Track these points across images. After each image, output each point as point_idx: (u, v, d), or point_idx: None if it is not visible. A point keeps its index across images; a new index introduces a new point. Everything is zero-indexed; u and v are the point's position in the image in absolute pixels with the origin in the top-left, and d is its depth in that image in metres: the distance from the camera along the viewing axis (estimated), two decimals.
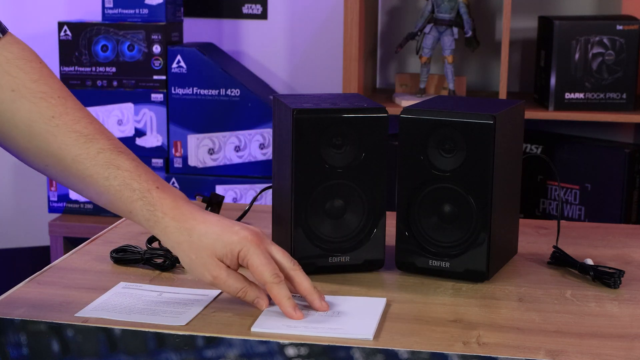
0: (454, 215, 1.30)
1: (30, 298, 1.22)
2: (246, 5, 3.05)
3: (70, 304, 1.20)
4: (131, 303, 1.20)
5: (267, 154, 2.77)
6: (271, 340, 1.09)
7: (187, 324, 1.13)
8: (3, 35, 1.19)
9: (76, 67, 2.80)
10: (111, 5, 2.80)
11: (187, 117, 2.77)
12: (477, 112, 1.28)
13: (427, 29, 2.64)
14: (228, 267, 1.18)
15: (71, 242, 2.85)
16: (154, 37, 2.76)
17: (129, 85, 2.79)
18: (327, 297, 1.23)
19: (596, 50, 2.53)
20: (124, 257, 1.37)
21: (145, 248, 1.40)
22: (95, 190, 1.20)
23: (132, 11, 2.80)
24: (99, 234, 1.52)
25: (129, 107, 2.79)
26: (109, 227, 1.55)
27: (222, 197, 1.58)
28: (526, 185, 2.52)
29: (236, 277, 1.18)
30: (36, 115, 1.18)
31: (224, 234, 1.18)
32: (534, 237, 1.53)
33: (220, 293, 1.24)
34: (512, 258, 1.42)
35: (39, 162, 1.21)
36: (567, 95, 2.56)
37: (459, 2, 2.61)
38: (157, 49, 2.76)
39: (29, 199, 3.20)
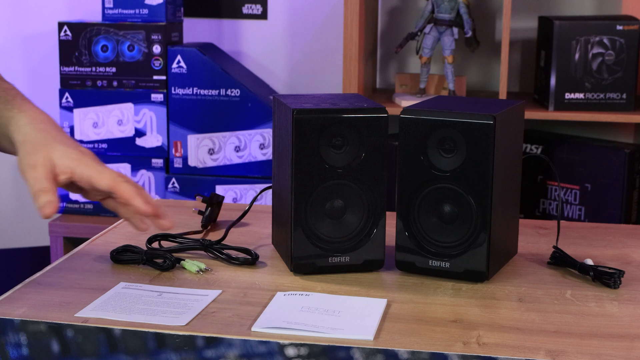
0: (454, 215, 1.30)
1: (30, 298, 1.22)
2: (246, 5, 3.05)
3: (70, 304, 1.20)
4: (131, 303, 1.20)
5: (267, 154, 2.76)
6: (271, 340, 1.09)
7: (187, 324, 1.13)
8: None
9: (76, 67, 2.80)
10: (111, 6, 2.80)
11: (187, 117, 2.77)
12: (477, 112, 1.28)
13: (427, 29, 2.64)
14: (54, 174, 1.19)
15: (71, 242, 2.85)
16: (154, 37, 2.76)
17: (129, 85, 2.79)
18: (327, 297, 1.23)
19: (596, 50, 2.53)
20: (124, 257, 1.37)
21: (145, 248, 1.40)
22: None
23: (132, 11, 2.80)
24: (99, 234, 1.52)
25: (129, 107, 2.79)
26: (109, 227, 1.55)
27: (222, 197, 1.58)
28: (526, 185, 2.52)
29: (47, 177, 1.18)
30: None
31: (70, 145, 1.21)
32: (534, 237, 1.53)
33: (221, 293, 1.24)
34: (512, 258, 1.42)
35: None
36: (567, 96, 2.56)
37: (459, 2, 2.61)
38: (157, 49, 2.76)
39: (29, 199, 3.19)
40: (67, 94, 2.80)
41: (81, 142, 2.82)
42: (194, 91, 2.76)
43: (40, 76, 3.10)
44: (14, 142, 1.24)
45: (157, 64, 2.77)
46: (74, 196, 2.84)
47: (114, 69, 2.79)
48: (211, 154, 2.78)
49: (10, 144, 1.26)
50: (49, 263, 2.69)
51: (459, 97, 1.55)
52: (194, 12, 3.07)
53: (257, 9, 3.04)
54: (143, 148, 2.81)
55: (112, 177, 1.19)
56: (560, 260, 1.38)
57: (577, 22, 2.55)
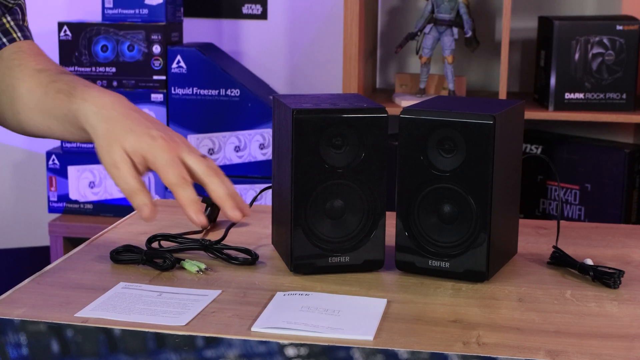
0: (454, 215, 1.30)
1: (30, 298, 1.22)
2: (246, 5, 3.05)
3: (70, 304, 1.20)
4: (131, 303, 1.20)
5: (267, 154, 2.77)
6: (271, 340, 1.09)
7: (187, 324, 1.13)
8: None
9: (76, 67, 2.80)
10: (111, 6, 2.80)
11: (187, 117, 2.77)
12: (477, 112, 1.28)
13: (427, 29, 2.64)
14: (134, 165, 1.17)
15: (71, 242, 2.85)
16: (154, 37, 2.76)
17: (129, 85, 2.79)
18: (327, 297, 1.23)
19: (596, 50, 2.54)
20: (123, 257, 1.37)
21: (145, 248, 1.40)
22: (42, 112, 1.25)
23: (132, 11, 2.80)
24: (99, 234, 1.52)
25: None
26: (109, 227, 1.55)
27: None
28: (526, 185, 2.51)
29: (133, 176, 1.16)
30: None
31: (139, 133, 1.17)
32: (534, 237, 1.53)
33: (221, 293, 1.24)
34: (512, 258, 1.42)
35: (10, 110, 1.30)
36: (567, 96, 2.56)
37: (459, 2, 2.61)
38: (157, 49, 2.76)
39: (29, 199, 3.19)
40: None
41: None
42: (194, 91, 2.76)
43: None
44: (88, 134, 1.21)
45: (157, 64, 2.77)
46: (73, 196, 2.85)
47: (113, 69, 2.79)
48: (211, 154, 2.78)
49: (88, 135, 1.23)
50: (49, 263, 2.69)
51: (459, 97, 1.55)
52: (194, 12, 3.07)
53: (257, 9, 3.04)
54: None
55: (175, 175, 1.15)
56: (560, 260, 1.38)
57: (577, 22, 2.55)
